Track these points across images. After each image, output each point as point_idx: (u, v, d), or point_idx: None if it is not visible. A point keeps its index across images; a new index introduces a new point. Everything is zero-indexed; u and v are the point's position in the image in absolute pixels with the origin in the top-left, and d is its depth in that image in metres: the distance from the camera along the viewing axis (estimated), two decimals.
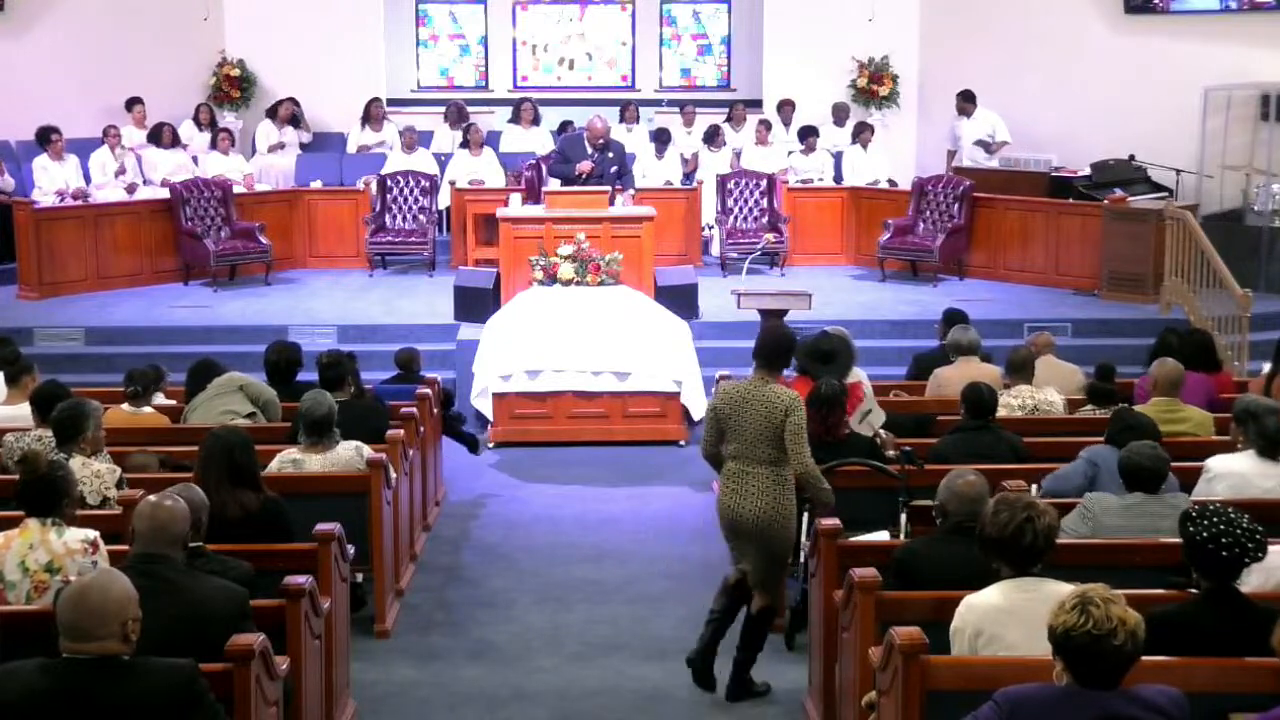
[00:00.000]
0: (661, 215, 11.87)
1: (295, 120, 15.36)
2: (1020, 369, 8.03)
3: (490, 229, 12.60)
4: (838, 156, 15.03)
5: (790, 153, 14.94)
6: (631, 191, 11.92)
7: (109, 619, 3.81)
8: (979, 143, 14.56)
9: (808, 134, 14.84)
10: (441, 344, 11.02)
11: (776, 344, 6.28)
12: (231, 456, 5.74)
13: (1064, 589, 4.38)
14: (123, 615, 3.84)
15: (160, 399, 8.04)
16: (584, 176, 11.76)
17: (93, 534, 5.12)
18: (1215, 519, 4.37)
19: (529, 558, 8.00)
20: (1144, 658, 3.71)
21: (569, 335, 10.06)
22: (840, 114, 15.55)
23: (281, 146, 15.14)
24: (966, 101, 14.65)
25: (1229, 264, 11.35)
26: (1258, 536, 4.36)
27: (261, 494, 5.85)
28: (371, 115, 15.17)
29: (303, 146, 15.35)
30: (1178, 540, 5.28)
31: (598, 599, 7.37)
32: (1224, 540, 4.33)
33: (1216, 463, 6.30)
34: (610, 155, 12.15)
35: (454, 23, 17.45)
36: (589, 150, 11.75)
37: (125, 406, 7.62)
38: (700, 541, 8.26)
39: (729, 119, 15.47)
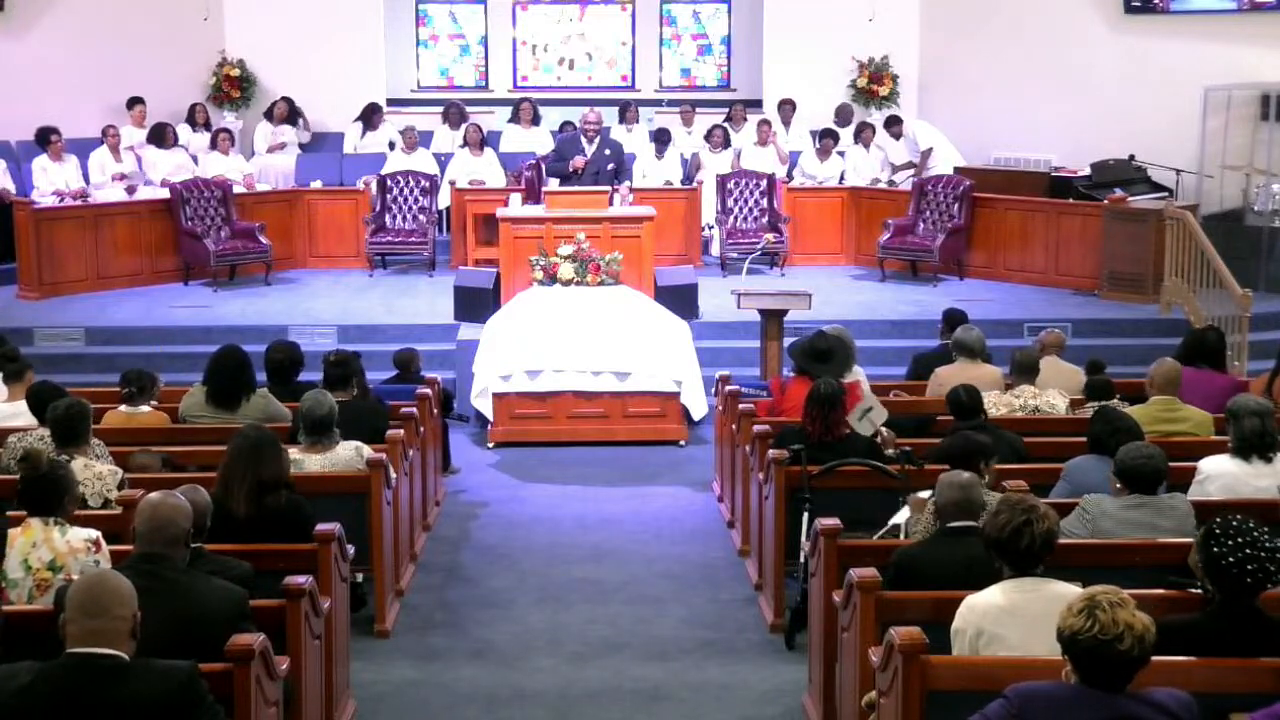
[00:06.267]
0: (661, 215, 11.86)
1: (293, 119, 15.36)
2: (1025, 369, 8.02)
3: (490, 229, 12.59)
4: (841, 156, 15.00)
5: (800, 153, 14.88)
6: (628, 183, 11.92)
7: (125, 603, 3.84)
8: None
9: (824, 136, 14.71)
10: (441, 344, 11.01)
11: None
12: (261, 455, 5.83)
13: (1066, 589, 4.39)
14: (132, 606, 3.87)
15: (152, 405, 7.97)
16: (578, 172, 11.75)
17: (95, 533, 5.12)
18: (1240, 540, 4.25)
19: (529, 558, 7.99)
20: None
21: (569, 335, 10.05)
22: (843, 115, 15.53)
23: (282, 147, 15.13)
24: (894, 124, 14.92)
25: (1229, 264, 11.35)
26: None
27: (287, 492, 5.94)
28: (371, 121, 15.15)
29: (302, 146, 15.35)
30: (1177, 540, 5.32)
31: (598, 599, 7.36)
32: (1250, 566, 4.23)
33: (1208, 464, 6.28)
34: (608, 153, 12.17)
35: (454, 23, 17.46)
36: (585, 148, 11.78)
37: (123, 407, 7.60)
38: (700, 541, 8.26)
39: (729, 119, 15.46)
